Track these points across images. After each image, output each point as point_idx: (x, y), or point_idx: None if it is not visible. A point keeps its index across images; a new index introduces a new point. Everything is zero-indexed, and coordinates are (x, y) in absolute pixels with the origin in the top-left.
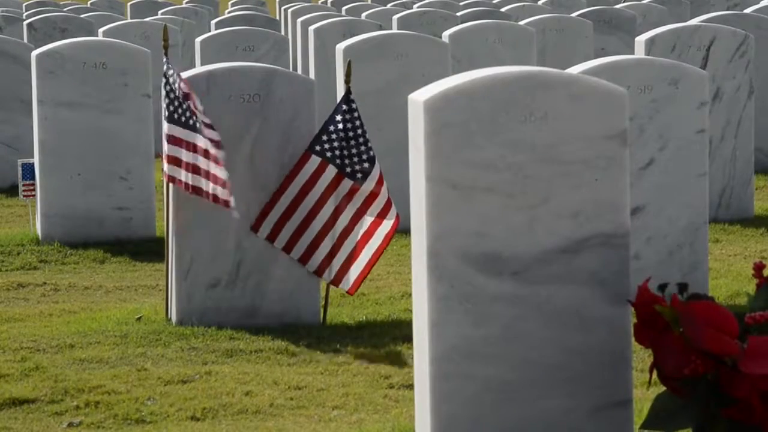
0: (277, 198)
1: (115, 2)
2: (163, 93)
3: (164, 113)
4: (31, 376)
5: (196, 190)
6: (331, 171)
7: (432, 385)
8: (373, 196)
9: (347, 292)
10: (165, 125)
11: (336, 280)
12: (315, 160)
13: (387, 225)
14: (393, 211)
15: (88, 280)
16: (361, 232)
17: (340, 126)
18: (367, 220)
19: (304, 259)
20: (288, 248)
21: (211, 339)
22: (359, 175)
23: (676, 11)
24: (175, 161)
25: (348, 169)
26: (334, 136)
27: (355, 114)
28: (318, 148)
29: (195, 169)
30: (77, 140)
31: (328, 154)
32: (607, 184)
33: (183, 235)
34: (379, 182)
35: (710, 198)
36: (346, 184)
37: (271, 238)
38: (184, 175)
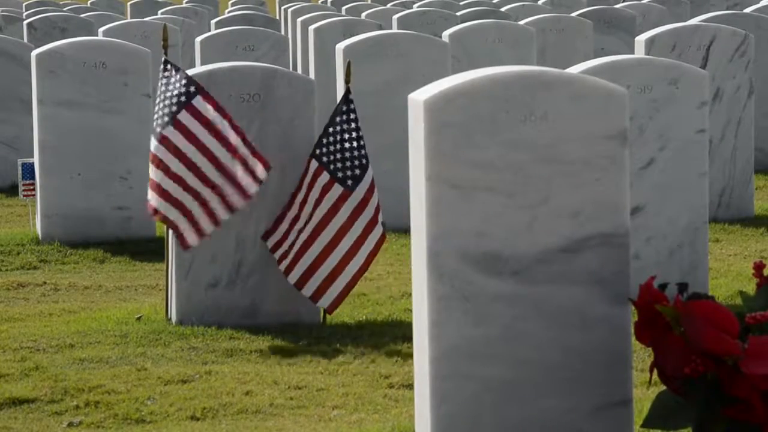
0: (288, 207)
1: (115, 2)
2: (159, 95)
3: (157, 118)
4: (31, 375)
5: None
6: (324, 177)
7: (432, 385)
8: (363, 203)
9: (326, 310)
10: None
11: (315, 296)
12: (313, 166)
13: (371, 242)
14: (379, 227)
15: (88, 279)
16: (347, 248)
17: (338, 128)
18: (353, 234)
19: (287, 271)
20: (279, 260)
21: (211, 339)
22: (350, 182)
23: (676, 11)
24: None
25: (340, 174)
26: (331, 138)
27: (353, 116)
28: (318, 151)
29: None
30: (77, 140)
31: (324, 159)
32: (607, 184)
33: None
34: (370, 190)
35: (710, 198)
36: (336, 190)
37: (273, 249)
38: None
